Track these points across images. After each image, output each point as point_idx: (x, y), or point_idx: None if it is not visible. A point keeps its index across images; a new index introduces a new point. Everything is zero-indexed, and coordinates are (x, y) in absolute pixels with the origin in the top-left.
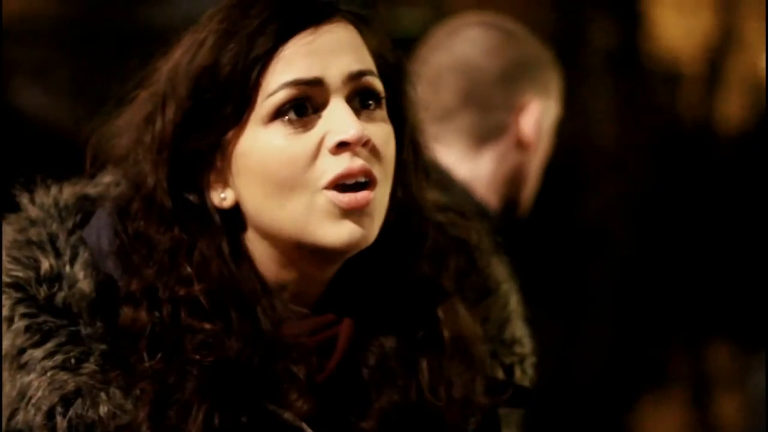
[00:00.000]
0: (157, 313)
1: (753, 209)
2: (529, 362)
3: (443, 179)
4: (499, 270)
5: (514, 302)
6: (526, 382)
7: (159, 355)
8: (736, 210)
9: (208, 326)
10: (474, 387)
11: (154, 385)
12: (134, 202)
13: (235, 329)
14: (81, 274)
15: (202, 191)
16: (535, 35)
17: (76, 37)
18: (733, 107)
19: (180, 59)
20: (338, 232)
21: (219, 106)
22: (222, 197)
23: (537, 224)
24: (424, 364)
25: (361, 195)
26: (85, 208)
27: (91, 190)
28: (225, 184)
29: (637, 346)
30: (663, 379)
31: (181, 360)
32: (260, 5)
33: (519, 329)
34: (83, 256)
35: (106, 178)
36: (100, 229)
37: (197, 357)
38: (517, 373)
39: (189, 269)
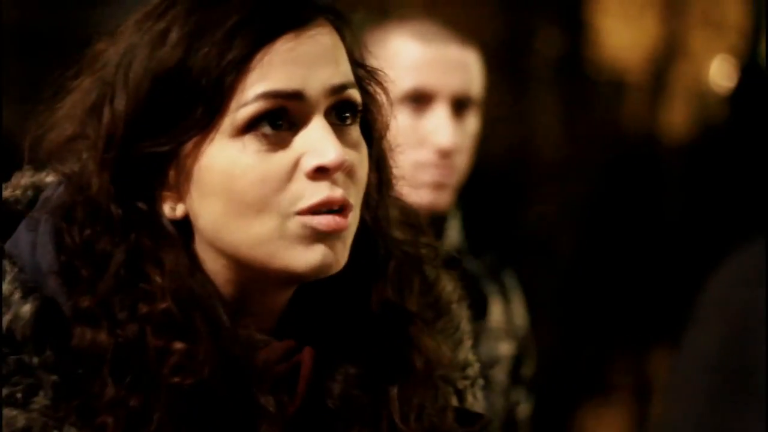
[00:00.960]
0: (119, 332)
1: (696, 218)
2: (479, 385)
3: None
4: (450, 287)
5: (465, 322)
6: (477, 407)
7: (127, 380)
8: (679, 219)
9: (180, 346)
10: (445, 415)
11: (122, 415)
12: (77, 208)
13: (204, 352)
14: (17, 295)
15: (153, 201)
16: (474, 40)
17: (28, 42)
18: (677, 116)
19: (135, 46)
20: (310, 258)
21: (182, 111)
22: (171, 207)
23: (480, 232)
24: (394, 393)
25: (339, 217)
26: (3, 215)
27: (7, 193)
28: (178, 199)
29: (579, 354)
30: (605, 386)
31: (153, 385)
32: (237, 0)
33: (469, 351)
34: (11, 273)
35: (23, 179)
36: (36, 244)
37: (176, 380)
38: (469, 398)
39: (151, 283)
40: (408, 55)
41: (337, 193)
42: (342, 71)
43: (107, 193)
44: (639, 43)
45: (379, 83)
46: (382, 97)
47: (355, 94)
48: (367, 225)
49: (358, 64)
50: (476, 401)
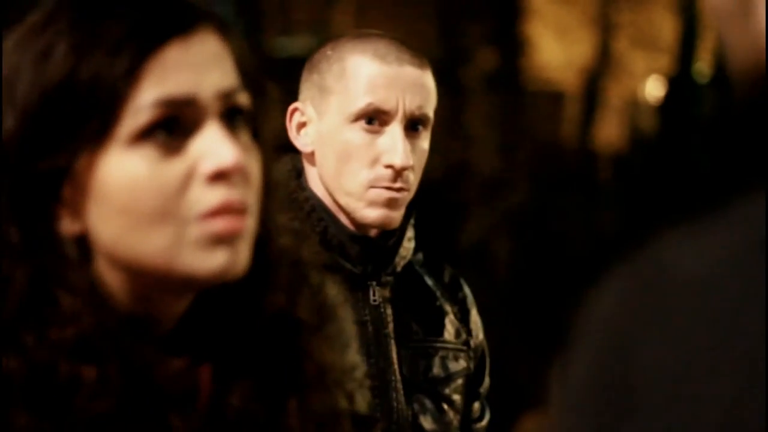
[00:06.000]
0: (29, 359)
1: (629, 229)
2: (366, 386)
3: (292, 195)
4: (333, 291)
5: (350, 325)
6: (365, 408)
7: (40, 408)
8: (613, 228)
9: (91, 373)
10: (342, 423)
11: None
12: None
13: (115, 376)
14: None
15: (51, 220)
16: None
17: None
18: (611, 130)
19: (18, 65)
20: (212, 262)
21: (75, 125)
22: (69, 224)
23: (417, 245)
24: (292, 405)
25: (238, 219)
26: None
27: None
28: (75, 215)
29: (518, 363)
30: (544, 395)
31: (66, 412)
32: (119, 10)
33: (356, 353)
34: None
35: None
36: None
37: (90, 408)
38: (359, 400)
39: (59, 307)
40: (365, 74)
41: (234, 196)
42: (230, 74)
43: (3, 215)
44: (574, 58)
45: (264, 90)
46: (266, 105)
47: (244, 98)
48: (258, 232)
49: (243, 71)
50: (365, 403)
